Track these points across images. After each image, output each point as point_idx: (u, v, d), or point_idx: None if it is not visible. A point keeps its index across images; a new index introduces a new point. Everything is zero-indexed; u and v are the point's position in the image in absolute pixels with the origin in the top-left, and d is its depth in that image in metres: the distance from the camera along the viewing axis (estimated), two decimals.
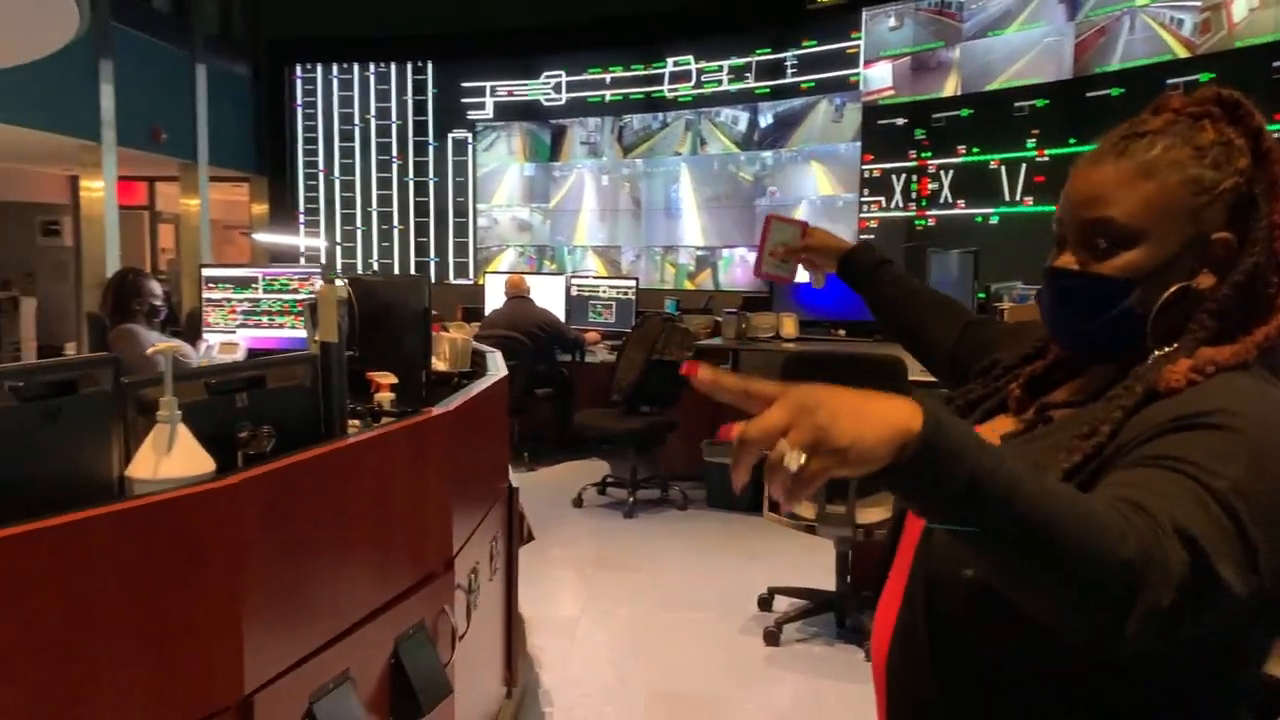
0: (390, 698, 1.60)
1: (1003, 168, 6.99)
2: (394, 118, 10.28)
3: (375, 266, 10.39)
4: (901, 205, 7.71)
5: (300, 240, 10.10)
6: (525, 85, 9.81)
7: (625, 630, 3.65)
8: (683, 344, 5.18)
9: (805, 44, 8.30)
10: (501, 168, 10.06)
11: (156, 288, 3.81)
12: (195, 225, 9.82)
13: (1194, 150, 0.92)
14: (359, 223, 10.48)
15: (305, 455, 1.38)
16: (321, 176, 10.52)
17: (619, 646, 3.50)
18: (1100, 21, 6.37)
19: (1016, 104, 6.87)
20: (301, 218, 10.51)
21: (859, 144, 8.00)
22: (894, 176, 7.75)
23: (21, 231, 10.12)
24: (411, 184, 10.31)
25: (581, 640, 3.54)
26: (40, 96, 7.32)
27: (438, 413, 1.82)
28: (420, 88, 10.19)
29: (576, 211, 9.82)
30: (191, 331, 4.25)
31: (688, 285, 9.12)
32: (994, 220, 7.04)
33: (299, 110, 10.49)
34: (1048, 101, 6.70)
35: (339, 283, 1.88)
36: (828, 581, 3.60)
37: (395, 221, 10.39)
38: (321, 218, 10.52)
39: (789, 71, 8.45)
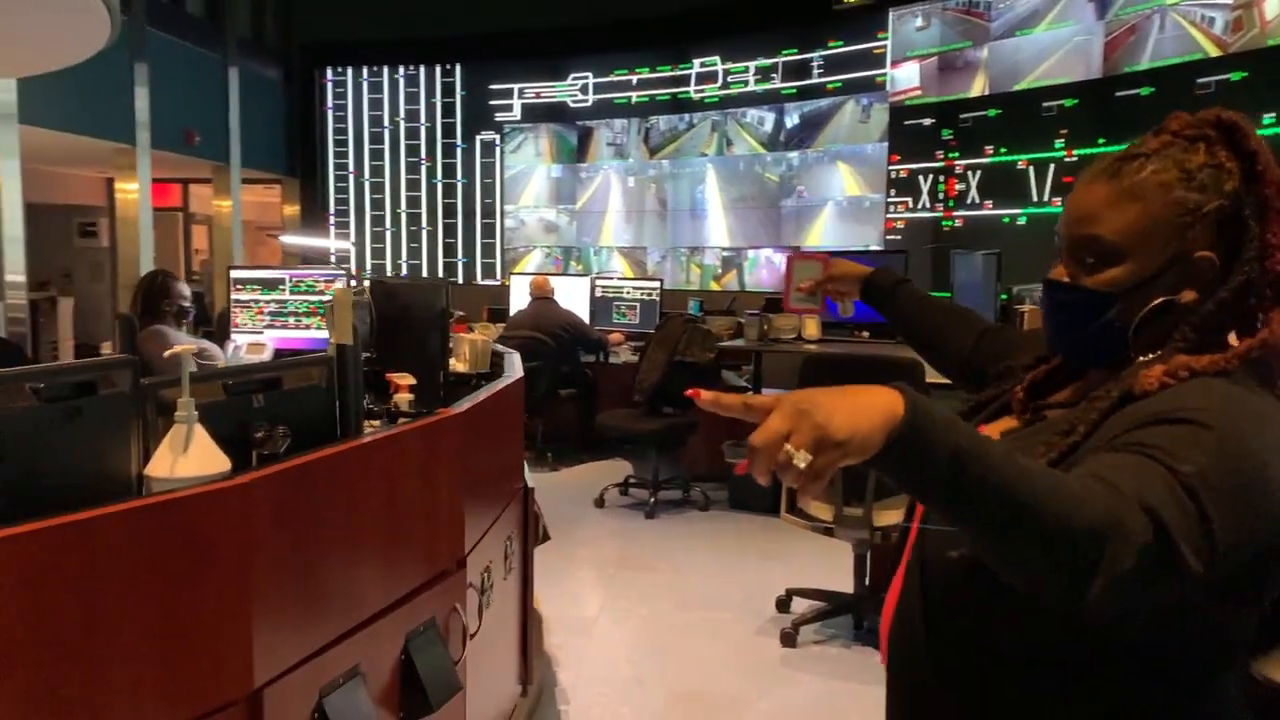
0: (400, 693, 1.63)
1: (1031, 168, 6.92)
2: (423, 120, 10.38)
3: (404, 268, 10.50)
4: (929, 206, 7.66)
5: (328, 242, 10.22)
6: (552, 87, 9.86)
7: (643, 630, 3.67)
8: (705, 345, 5.18)
9: (832, 44, 8.28)
10: (528, 169, 10.12)
11: (185, 289, 3.89)
12: (228, 227, 9.98)
13: (1182, 173, 0.97)
14: (388, 224, 10.59)
15: (316, 455, 1.42)
16: (351, 178, 10.65)
17: (637, 646, 3.52)
18: (1130, 20, 6.29)
19: (1045, 104, 6.81)
20: (332, 219, 10.64)
21: (886, 144, 7.96)
22: (921, 177, 7.71)
23: (60, 233, 10.32)
24: (440, 185, 10.40)
25: (600, 639, 3.57)
26: (77, 100, 7.47)
27: (448, 414, 1.85)
28: (449, 90, 10.28)
29: (602, 213, 9.86)
30: (223, 332, 4.33)
31: (713, 286, 9.12)
32: (1022, 221, 6.98)
33: (330, 113, 10.62)
34: (1076, 101, 6.63)
35: (352, 284, 1.91)
36: (847, 583, 3.60)
37: (424, 223, 10.49)
38: (351, 219, 10.64)
39: (815, 72, 8.43)
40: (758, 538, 4.74)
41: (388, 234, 10.60)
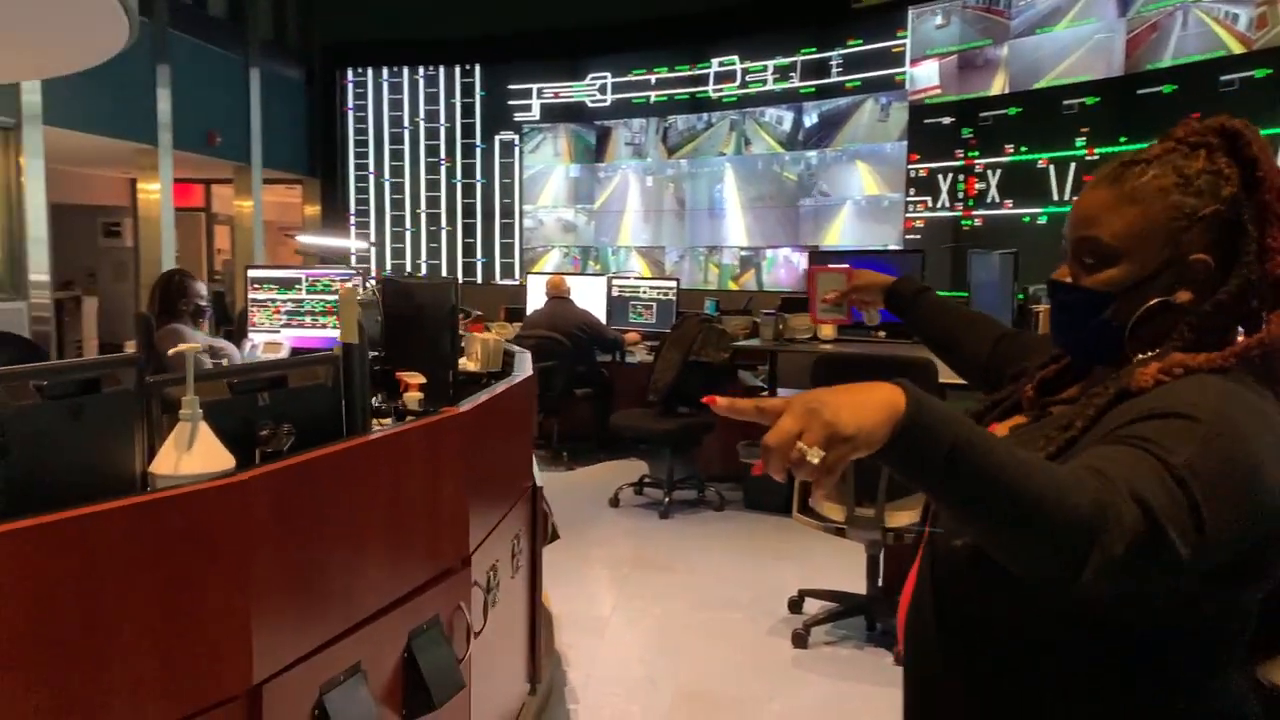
0: (403, 691, 1.63)
1: (1051, 167, 6.87)
2: (442, 120, 10.43)
3: (423, 268, 10.56)
4: (948, 205, 7.62)
5: (344, 242, 10.29)
6: (570, 87, 9.89)
7: (655, 629, 3.67)
8: (719, 345, 5.17)
9: (850, 43, 8.25)
10: (547, 169, 10.15)
11: (202, 289, 3.92)
12: (249, 227, 10.08)
13: (1180, 178, 1.00)
14: (408, 224, 10.66)
15: (318, 453, 1.42)
16: (372, 178, 10.72)
17: (649, 645, 3.52)
18: (1152, 17, 6.23)
19: (1066, 102, 6.76)
20: (352, 219, 10.72)
21: (905, 143, 7.92)
22: (940, 176, 7.66)
23: (84, 233, 10.45)
24: (459, 185, 10.46)
25: (612, 639, 3.57)
26: (101, 102, 7.57)
27: (453, 412, 1.85)
28: (468, 90, 10.33)
29: (621, 212, 9.87)
30: (241, 331, 4.37)
31: (731, 286, 9.11)
32: (1042, 220, 6.92)
33: (350, 113, 10.70)
34: (1098, 99, 6.57)
35: (358, 283, 1.93)
36: (860, 584, 3.59)
37: (443, 223, 10.55)
38: (371, 219, 10.72)
39: (834, 71, 8.40)
40: (771, 538, 4.73)
41: (407, 234, 10.67)
